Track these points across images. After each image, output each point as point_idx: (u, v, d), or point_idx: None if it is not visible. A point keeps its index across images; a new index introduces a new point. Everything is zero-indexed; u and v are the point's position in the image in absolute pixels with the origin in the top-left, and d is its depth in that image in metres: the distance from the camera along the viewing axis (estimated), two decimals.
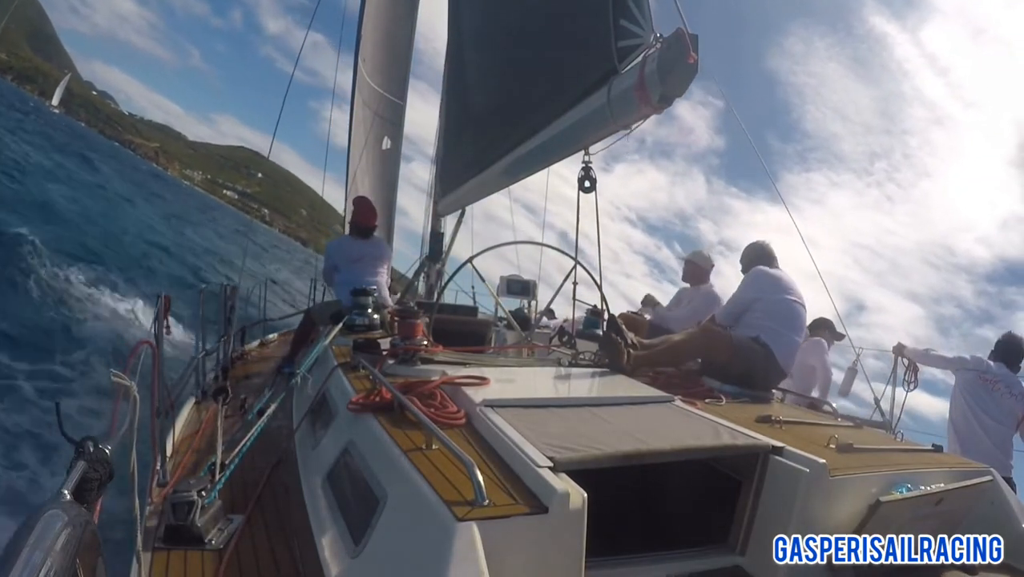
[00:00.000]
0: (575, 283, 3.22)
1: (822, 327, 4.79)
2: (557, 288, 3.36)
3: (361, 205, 4.37)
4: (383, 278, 4.24)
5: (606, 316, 3.10)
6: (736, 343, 2.76)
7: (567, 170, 3.22)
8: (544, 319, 4.60)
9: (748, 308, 2.92)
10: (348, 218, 6.02)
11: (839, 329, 4.48)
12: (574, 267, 3.16)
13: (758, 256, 3.13)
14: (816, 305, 3.07)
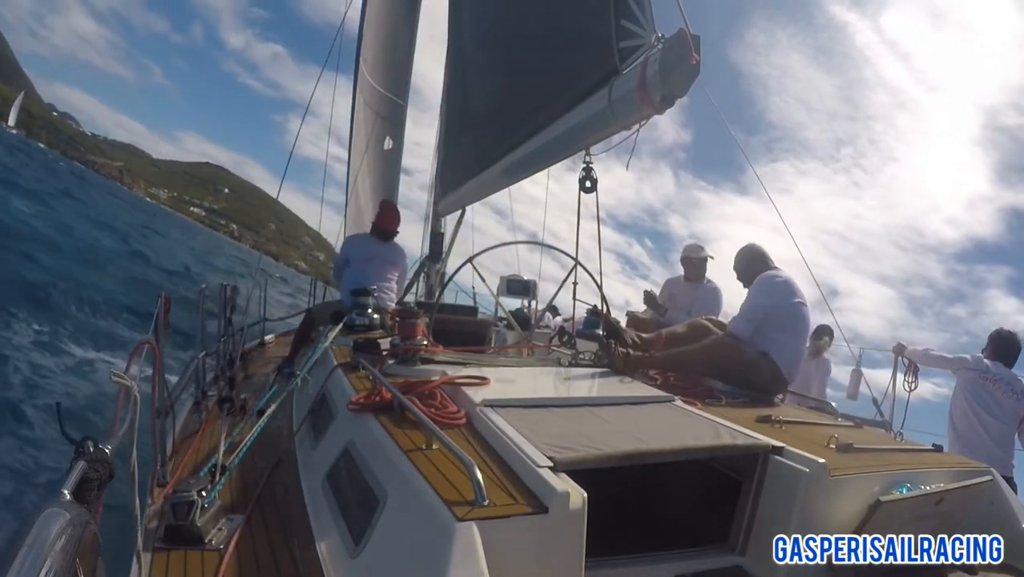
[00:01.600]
0: (575, 283, 3.22)
1: (824, 333, 4.79)
2: (558, 287, 3.37)
3: (385, 207, 4.44)
4: (392, 283, 4.21)
5: (607, 316, 3.10)
6: (747, 358, 2.73)
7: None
8: (547, 316, 4.60)
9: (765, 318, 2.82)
10: (345, 219, 6.04)
11: (834, 324, 4.48)
12: (574, 267, 3.16)
13: (754, 260, 3.06)
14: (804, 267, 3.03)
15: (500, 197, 4.25)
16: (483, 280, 3.40)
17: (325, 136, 6.68)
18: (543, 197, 6.74)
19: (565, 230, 2.92)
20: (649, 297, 4.34)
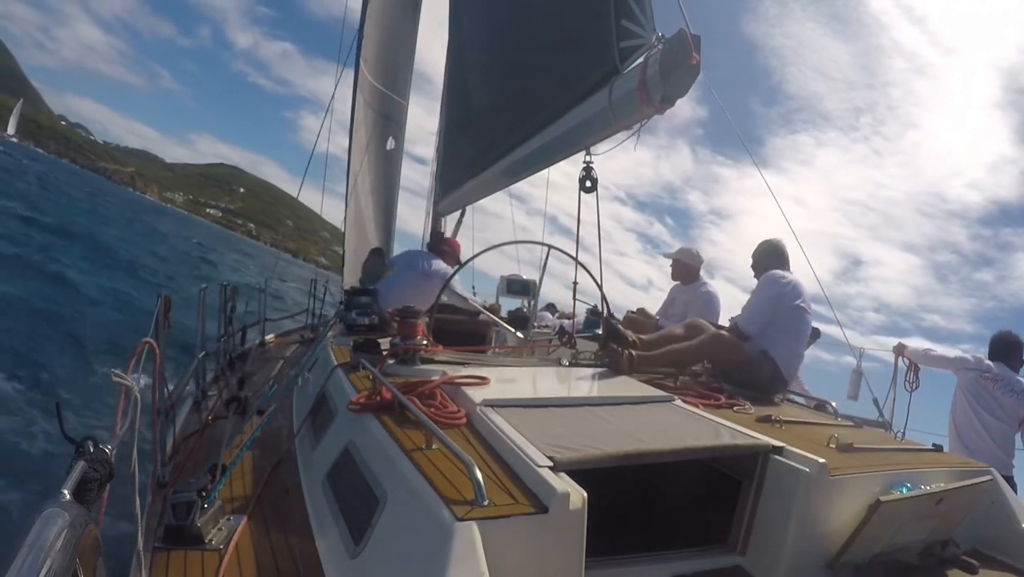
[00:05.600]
0: (575, 283, 3.22)
1: (813, 335, 4.79)
2: (557, 287, 3.36)
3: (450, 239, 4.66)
4: (417, 291, 3.94)
5: (607, 318, 3.09)
6: (747, 356, 2.73)
7: None
8: (546, 315, 4.58)
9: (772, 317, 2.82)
10: (346, 227, 6.10)
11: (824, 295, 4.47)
12: (574, 267, 3.15)
13: (771, 256, 3.06)
14: (797, 261, 3.02)
15: (517, 182, 4.24)
16: (480, 281, 3.39)
17: (339, 132, 6.77)
18: (557, 179, 6.74)
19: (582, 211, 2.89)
20: (631, 320, 4.31)
